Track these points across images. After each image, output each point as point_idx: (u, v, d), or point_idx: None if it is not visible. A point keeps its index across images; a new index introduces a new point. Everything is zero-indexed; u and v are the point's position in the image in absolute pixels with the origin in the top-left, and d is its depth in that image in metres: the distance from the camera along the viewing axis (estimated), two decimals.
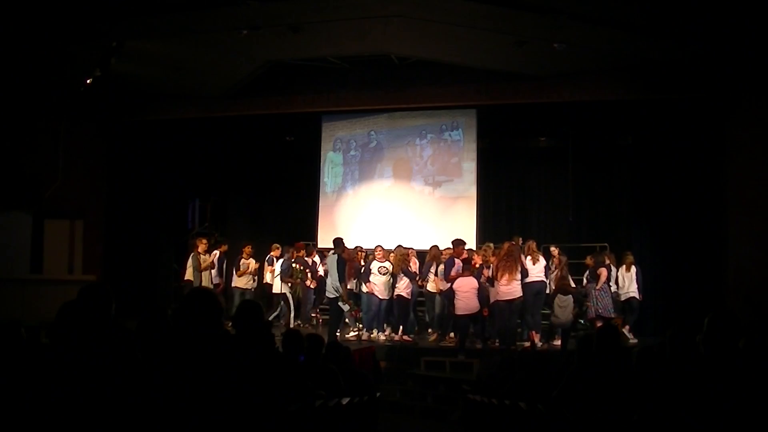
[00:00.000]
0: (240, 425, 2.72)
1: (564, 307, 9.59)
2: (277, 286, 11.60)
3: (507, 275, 9.66)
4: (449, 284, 9.83)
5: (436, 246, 10.95)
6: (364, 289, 10.64)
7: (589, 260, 10.81)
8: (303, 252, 11.58)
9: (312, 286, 11.44)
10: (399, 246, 10.95)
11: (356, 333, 10.72)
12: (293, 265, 11.29)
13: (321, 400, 4.43)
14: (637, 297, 10.56)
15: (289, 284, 11.33)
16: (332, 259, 10.29)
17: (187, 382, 2.60)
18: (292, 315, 11.35)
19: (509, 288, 9.67)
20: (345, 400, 4.97)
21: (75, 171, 12.13)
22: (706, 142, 10.89)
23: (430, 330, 11.10)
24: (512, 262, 9.69)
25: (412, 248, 11.28)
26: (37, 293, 10.22)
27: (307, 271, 11.38)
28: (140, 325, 3.83)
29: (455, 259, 10.05)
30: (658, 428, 3.01)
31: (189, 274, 11.09)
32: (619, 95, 11.19)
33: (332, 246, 10.65)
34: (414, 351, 10.09)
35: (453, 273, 9.84)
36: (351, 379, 5.78)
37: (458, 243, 10.40)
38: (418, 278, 10.80)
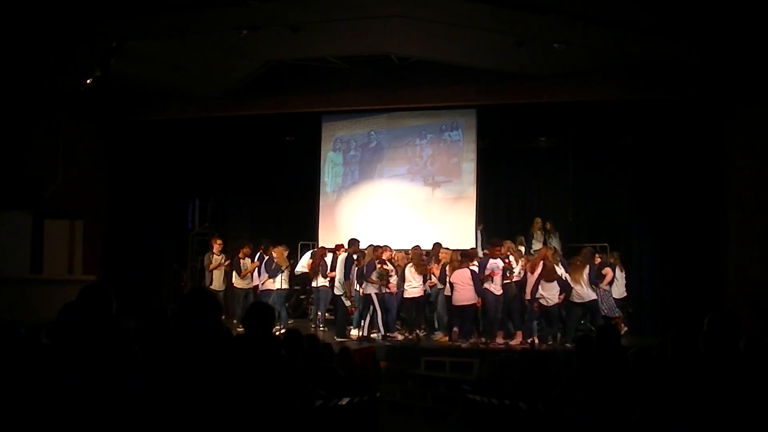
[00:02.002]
0: (240, 425, 2.71)
1: (550, 291, 9.81)
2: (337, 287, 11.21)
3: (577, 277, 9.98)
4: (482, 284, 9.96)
5: (417, 246, 11.04)
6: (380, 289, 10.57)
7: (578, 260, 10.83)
8: (342, 251, 11.43)
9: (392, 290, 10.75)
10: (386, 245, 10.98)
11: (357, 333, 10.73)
12: (378, 265, 10.53)
13: (321, 400, 4.43)
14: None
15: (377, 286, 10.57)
16: (343, 257, 10.71)
17: (186, 382, 2.60)
18: (380, 318, 10.51)
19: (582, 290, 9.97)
20: (345, 400, 4.97)
21: (75, 171, 12.13)
22: (706, 143, 10.89)
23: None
24: (581, 266, 10.02)
25: (439, 243, 11.23)
26: (37, 293, 10.22)
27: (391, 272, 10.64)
28: (140, 325, 3.83)
29: (490, 259, 10.11)
30: (658, 428, 3.01)
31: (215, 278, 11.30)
32: (619, 95, 11.19)
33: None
34: (414, 351, 10.09)
35: (487, 273, 9.95)
36: (351, 379, 5.79)
37: (495, 243, 10.49)
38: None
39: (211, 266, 11.34)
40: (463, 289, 9.88)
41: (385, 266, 10.39)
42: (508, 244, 10.60)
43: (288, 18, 9.24)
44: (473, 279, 9.86)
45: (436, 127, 12.98)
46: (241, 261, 11.55)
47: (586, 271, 9.98)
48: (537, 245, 12.00)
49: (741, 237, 10.04)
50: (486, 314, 10.09)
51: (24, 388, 2.63)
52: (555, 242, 12.08)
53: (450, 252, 10.73)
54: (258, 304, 3.93)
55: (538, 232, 12.30)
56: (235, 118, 13.16)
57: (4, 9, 8.48)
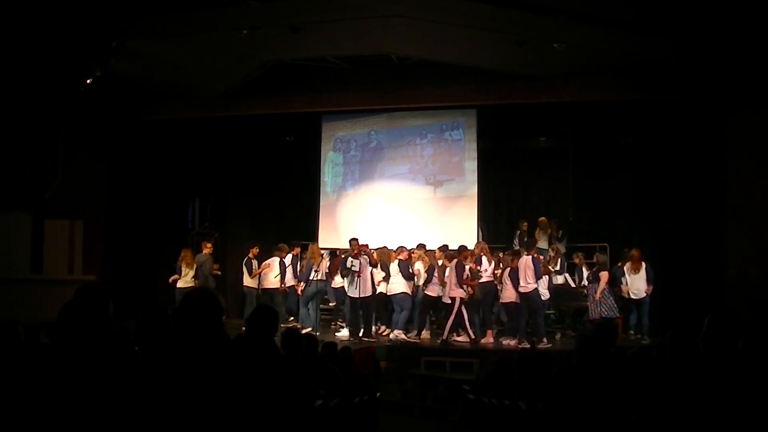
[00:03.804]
0: (240, 425, 2.72)
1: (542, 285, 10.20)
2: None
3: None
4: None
5: (402, 247, 11.16)
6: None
7: (596, 258, 10.87)
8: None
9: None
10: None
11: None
12: (467, 266, 10.40)
13: (321, 400, 4.43)
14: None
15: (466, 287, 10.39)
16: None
17: (186, 382, 2.60)
18: (467, 319, 10.25)
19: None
20: (345, 400, 4.97)
21: (75, 171, 12.11)
22: (706, 143, 10.89)
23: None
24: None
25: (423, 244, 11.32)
26: (37, 293, 10.20)
27: (481, 271, 10.48)
28: (140, 325, 3.83)
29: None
30: (658, 428, 3.01)
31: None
32: (619, 95, 11.19)
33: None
34: (414, 351, 10.09)
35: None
36: (351, 379, 5.78)
37: (531, 244, 10.56)
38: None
39: (215, 269, 11.49)
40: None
41: (477, 266, 10.39)
42: (482, 245, 10.67)
43: (288, 18, 9.24)
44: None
45: (437, 126, 12.98)
46: (252, 261, 11.62)
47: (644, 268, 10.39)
48: (542, 244, 12.03)
49: (741, 237, 10.04)
50: (534, 313, 10.12)
51: (23, 388, 2.63)
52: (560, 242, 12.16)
53: (436, 252, 10.89)
54: (261, 306, 3.94)
55: (543, 232, 12.34)
56: (235, 118, 13.16)
57: (5, 9, 8.48)
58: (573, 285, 11.32)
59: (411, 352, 10.06)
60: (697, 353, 3.19)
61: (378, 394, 6.73)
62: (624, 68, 10.67)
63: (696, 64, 9.84)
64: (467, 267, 10.24)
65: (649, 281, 10.43)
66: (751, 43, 8.88)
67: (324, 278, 11.15)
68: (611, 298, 10.26)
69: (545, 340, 10.02)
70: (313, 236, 13.53)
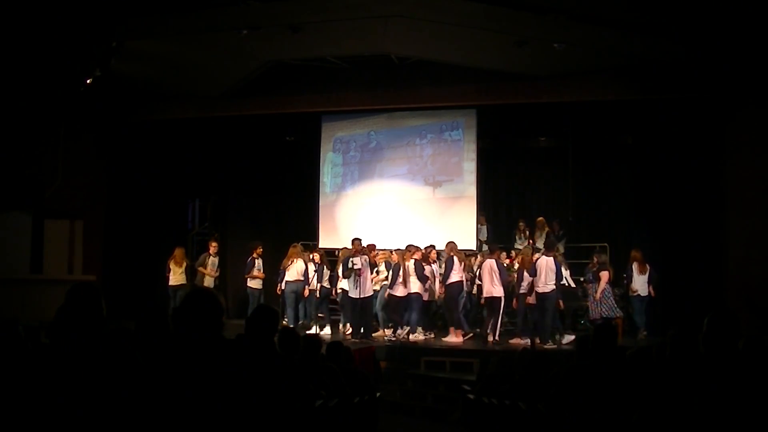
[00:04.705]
0: (240, 425, 2.72)
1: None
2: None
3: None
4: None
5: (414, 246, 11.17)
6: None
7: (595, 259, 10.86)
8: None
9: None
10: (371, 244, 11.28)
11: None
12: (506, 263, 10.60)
13: (321, 400, 4.43)
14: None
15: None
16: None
17: (186, 382, 2.60)
18: (500, 319, 10.44)
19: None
20: (345, 400, 4.96)
21: (75, 171, 12.12)
22: (706, 142, 10.90)
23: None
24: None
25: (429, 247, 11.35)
26: (37, 293, 10.20)
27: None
28: (140, 325, 3.83)
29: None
30: (658, 428, 3.01)
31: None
32: (619, 95, 11.19)
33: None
34: (414, 351, 10.10)
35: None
36: (351, 379, 5.78)
37: (552, 245, 10.58)
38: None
39: (208, 270, 11.48)
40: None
41: (512, 261, 10.57)
42: (451, 245, 10.75)
43: (288, 18, 9.24)
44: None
45: (436, 126, 12.97)
46: (256, 261, 11.58)
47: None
48: (539, 244, 12.03)
49: (741, 237, 10.04)
50: (545, 313, 10.07)
51: (23, 388, 2.63)
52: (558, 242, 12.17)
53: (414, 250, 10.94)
54: (261, 306, 3.93)
55: (540, 232, 12.35)
56: (235, 118, 13.16)
57: (5, 9, 8.48)
58: (573, 285, 11.31)
59: (411, 352, 10.06)
60: (697, 353, 3.19)
61: (378, 394, 6.72)
62: (624, 68, 10.67)
63: (696, 64, 9.83)
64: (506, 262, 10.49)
65: (650, 282, 10.50)
66: (751, 43, 8.89)
67: (302, 278, 11.18)
68: (611, 298, 10.27)
69: (549, 341, 10.02)
70: (313, 236, 13.54)
